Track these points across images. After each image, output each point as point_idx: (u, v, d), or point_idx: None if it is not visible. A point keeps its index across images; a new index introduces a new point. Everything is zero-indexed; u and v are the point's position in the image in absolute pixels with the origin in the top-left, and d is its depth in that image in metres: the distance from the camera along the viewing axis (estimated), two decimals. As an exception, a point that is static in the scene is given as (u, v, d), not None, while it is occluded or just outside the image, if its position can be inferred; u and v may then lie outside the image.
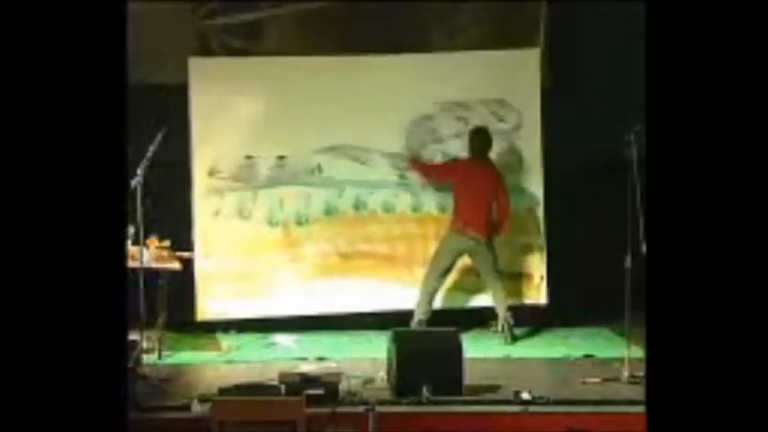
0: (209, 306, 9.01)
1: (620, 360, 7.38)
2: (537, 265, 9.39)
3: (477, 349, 7.97)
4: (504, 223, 8.98)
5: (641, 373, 6.86)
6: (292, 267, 9.13)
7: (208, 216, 9.05)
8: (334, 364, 7.50)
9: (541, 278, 9.37)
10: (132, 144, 5.19)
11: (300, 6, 9.53)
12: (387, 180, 9.33)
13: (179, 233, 8.78)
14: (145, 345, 7.89)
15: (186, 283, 8.86)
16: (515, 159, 9.39)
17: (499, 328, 8.89)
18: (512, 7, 9.60)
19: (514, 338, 8.84)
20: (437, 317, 8.85)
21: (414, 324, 8.73)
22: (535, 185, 9.36)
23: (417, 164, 9.22)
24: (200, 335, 9.01)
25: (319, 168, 9.21)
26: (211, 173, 9.07)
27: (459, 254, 8.97)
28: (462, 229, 8.84)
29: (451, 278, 9.27)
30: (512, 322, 8.85)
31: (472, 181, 8.90)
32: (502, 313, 8.89)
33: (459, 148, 9.35)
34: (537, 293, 9.40)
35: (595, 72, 9.52)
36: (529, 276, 9.41)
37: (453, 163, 9.17)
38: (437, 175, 9.20)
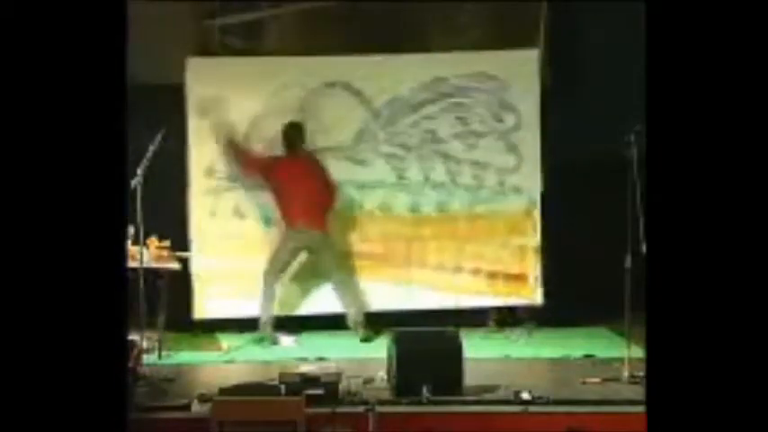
0: (205, 305, 9.03)
1: (620, 360, 7.38)
2: (532, 266, 9.39)
3: (477, 349, 7.97)
4: (330, 207, 8.94)
5: (641, 373, 6.86)
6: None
7: (204, 216, 9.06)
8: (334, 364, 7.49)
9: (536, 279, 9.37)
10: (132, 144, 5.18)
11: (300, 6, 9.53)
12: (384, 180, 9.33)
13: (179, 233, 8.79)
14: (145, 345, 7.88)
15: (186, 283, 8.87)
16: (514, 159, 9.39)
17: (351, 325, 8.86)
18: (512, 7, 9.59)
19: (367, 338, 8.82)
20: (437, 317, 8.84)
21: (262, 326, 8.72)
22: (534, 185, 9.36)
23: (239, 151, 8.97)
24: (200, 335, 9.01)
25: None
26: (208, 173, 9.08)
27: (298, 251, 8.91)
28: (297, 226, 8.79)
29: (445, 278, 9.27)
30: (361, 320, 8.84)
31: (297, 177, 8.83)
32: (352, 309, 8.88)
33: (458, 149, 9.36)
34: (532, 294, 9.40)
35: (595, 72, 9.52)
36: (524, 277, 9.41)
37: (275, 161, 8.93)
38: (258, 169, 8.95)
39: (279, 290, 8.94)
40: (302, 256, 9.01)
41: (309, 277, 9.15)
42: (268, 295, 8.80)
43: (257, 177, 8.94)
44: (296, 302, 9.19)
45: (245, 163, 8.95)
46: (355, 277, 9.19)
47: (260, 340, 8.78)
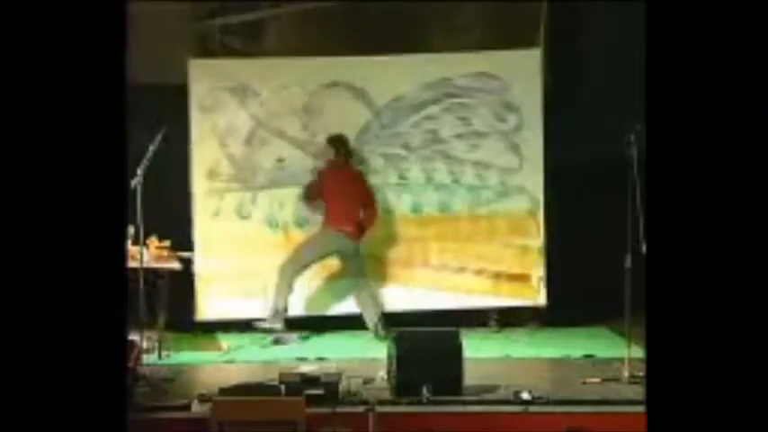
0: (208, 306, 9.04)
1: (620, 360, 7.37)
2: (535, 267, 9.39)
3: (477, 349, 7.96)
4: (371, 224, 8.98)
5: (641, 373, 6.85)
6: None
7: (207, 217, 9.07)
8: (334, 364, 7.49)
9: (540, 279, 9.37)
10: (132, 144, 5.18)
11: (300, 6, 9.54)
12: (386, 181, 9.33)
13: (179, 233, 8.79)
14: (145, 345, 7.88)
15: (186, 283, 8.88)
16: (516, 160, 9.40)
17: (371, 328, 8.86)
18: (512, 7, 9.60)
19: (385, 337, 8.73)
20: (438, 317, 8.84)
21: (268, 322, 8.68)
22: (535, 186, 9.36)
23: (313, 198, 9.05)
24: (200, 335, 9.02)
25: (318, 169, 9.22)
26: (211, 174, 9.09)
27: (328, 253, 8.92)
28: (335, 229, 8.81)
29: (448, 279, 9.28)
30: (381, 323, 8.83)
31: (343, 182, 8.91)
32: (370, 315, 8.88)
33: (460, 149, 9.37)
34: (536, 295, 9.40)
35: (596, 72, 9.52)
36: (527, 277, 9.41)
37: (328, 169, 9.01)
38: (317, 194, 9.01)
39: (299, 287, 8.92)
40: (331, 260, 9.01)
41: (339, 279, 9.16)
42: (284, 288, 8.74)
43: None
44: (326, 303, 9.20)
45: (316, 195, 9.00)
46: (379, 282, 9.21)
47: (262, 338, 8.76)
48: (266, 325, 8.70)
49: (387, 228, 9.32)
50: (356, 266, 9.00)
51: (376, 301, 9.05)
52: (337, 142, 8.98)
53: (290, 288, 8.76)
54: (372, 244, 9.18)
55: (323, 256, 8.93)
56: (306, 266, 8.87)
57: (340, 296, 9.19)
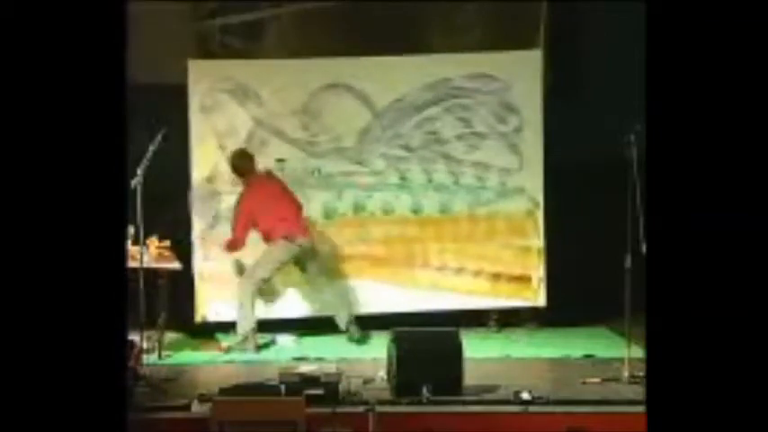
0: (208, 308, 9.03)
1: (620, 360, 7.37)
2: (535, 267, 9.39)
3: (477, 349, 7.96)
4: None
5: (641, 373, 6.86)
6: (292, 269, 9.13)
7: (207, 218, 9.06)
8: (333, 364, 7.49)
9: (540, 280, 9.37)
10: (132, 144, 5.18)
11: (300, 6, 9.54)
12: (386, 181, 9.33)
13: (180, 233, 8.80)
14: (145, 345, 7.88)
15: (186, 283, 8.87)
16: (516, 160, 9.40)
17: (343, 327, 8.79)
18: (512, 8, 9.59)
19: (362, 338, 8.76)
20: (438, 317, 8.84)
21: (241, 337, 8.54)
22: (535, 186, 9.36)
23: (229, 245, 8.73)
24: (200, 335, 9.01)
25: (318, 171, 9.22)
26: (210, 175, 9.08)
27: (287, 263, 8.78)
28: (296, 238, 8.68)
29: (448, 279, 9.28)
30: (354, 324, 8.78)
31: (274, 194, 8.75)
32: (340, 317, 8.80)
33: (460, 150, 9.36)
34: (535, 295, 9.40)
35: (596, 72, 9.51)
36: (527, 278, 9.40)
37: (241, 201, 8.71)
38: (245, 225, 8.65)
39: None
40: (288, 267, 8.90)
41: (303, 285, 9.10)
42: (247, 308, 8.57)
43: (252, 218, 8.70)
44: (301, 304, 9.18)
45: (239, 235, 8.69)
46: (344, 280, 9.17)
47: (261, 338, 8.75)
48: (240, 349, 8.55)
49: (385, 228, 9.31)
50: (314, 268, 8.91)
51: (344, 300, 8.98)
52: (237, 161, 8.78)
53: (252, 306, 8.62)
54: (341, 243, 9.20)
55: (278, 267, 8.75)
56: (264, 281, 8.71)
57: (311, 300, 9.14)
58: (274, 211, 8.70)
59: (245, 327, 8.55)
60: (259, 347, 8.58)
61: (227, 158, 9.01)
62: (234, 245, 8.68)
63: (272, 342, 8.82)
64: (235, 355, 8.45)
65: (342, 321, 8.86)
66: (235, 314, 8.83)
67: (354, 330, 8.79)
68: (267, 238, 8.70)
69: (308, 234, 8.80)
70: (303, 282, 9.06)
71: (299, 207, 8.86)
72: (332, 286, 9.00)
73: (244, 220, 8.64)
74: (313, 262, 8.90)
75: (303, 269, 8.94)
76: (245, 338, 8.54)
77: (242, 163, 8.80)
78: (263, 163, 9.11)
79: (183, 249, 8.76)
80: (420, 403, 6.69)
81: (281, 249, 8.69)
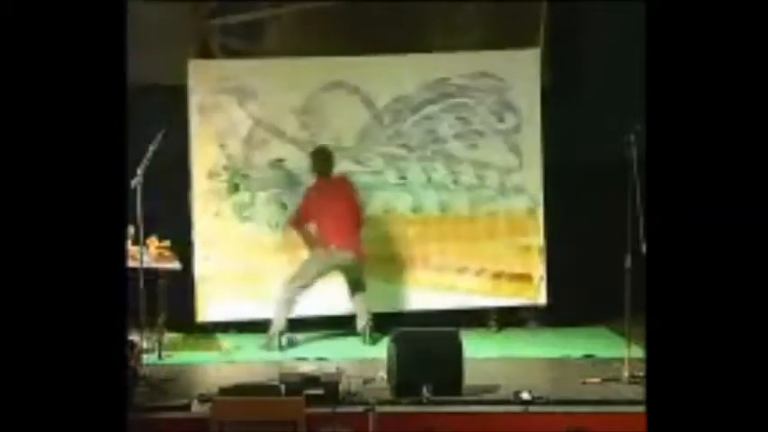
0: (209, 308, 9.03)
1: (620, 360, 7.37)
2: (536, 266, 9.39)
3: (477, 349, 7.97)
4: (360, 228, 8.87)
5: (641, 373, 6.86)
6: (292, 269, 9.13)
7: (207, 218, 9.07)
8: (334, 364, 7.49)
9: (541, 278, 9.37)
10: (132, 144, 5.18)
11: (300, 6, 9.54)
12: (386, 181, 9.34)
13: (179, 233, 8.80)
14: (145, 345, 7.88)
15: (186, 283, 8.88)
16: (515, 159, 9.40)
17: (360, 329, 8.80)
18: (512, 7, 9.59)
19: (374, 341, 8.74)
20: (438, 317, 8.84)
21: (271, 334, 8.61)
22: (535, 185, 9.36)
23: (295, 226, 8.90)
24: (200, 335, 9.02)
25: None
26: (211, 175, 9.09)
27: (328, 271, 8.78)
28: (331, 247, 8.69)
29: (449, 279, 9.29)
30: (371, 325, 8.76)
31: (329, 199, 8.75)
32: (364, 320, 8.80)
33: (459, 149, 9.37)
34: (536, 294, 9.40)
35: (596, 72, 9.52)
36: (528, 277, 9.40)
37: (307, 196, 8.86)
38: (304, 219, 8.83)
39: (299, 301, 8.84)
40: (335, 275, 8.88)
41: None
42: (285, 304, 8.67)
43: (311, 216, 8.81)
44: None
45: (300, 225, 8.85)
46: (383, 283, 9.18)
47: (262, 338, 8.76)
48: (264, 348, 8.62)
49: (385, 227, 9.31)
50: (354, 280, 8.91)
51: (366, 307, 8.95)
52: (319, 157, 8.88)
53: (291, 306, 8.69)
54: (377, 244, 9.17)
55: (322, 274, 8.78)
56: (307, 286, 8.73)
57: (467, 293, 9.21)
58: (327, 217, 8.72)
59: (275, 328, 8.62)
60: (283, 348, 8.60)
61: (227, 157, 9.02)
62: (295, 225, 8.84)
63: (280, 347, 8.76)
64: (235, 355, 8.45)
65: (360, 326, 8.84)
66: (234, 314, 8.86)
67: (368, 336, 8.77)
68: (320, 241, 8.73)
69: (354, 249, 8.76)
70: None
71: (355, 221, 8.81)
72: (362, 297, 8.93)
73: (302, 215, 8.80)
74: (354, 274, 8.87)
75: (344, 276, 8.91)
76: (271, 339, 8.61)
77: (316, 160, 8.85)
78: (262, 164, 9.12)
79: (182, 249, 8.76)
80: (420, 403, 6.69)
81: (319, 261, 8.73)
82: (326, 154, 8.89)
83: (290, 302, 8.69)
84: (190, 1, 9.52)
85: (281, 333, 8.65)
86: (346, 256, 8.74)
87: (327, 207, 8.73)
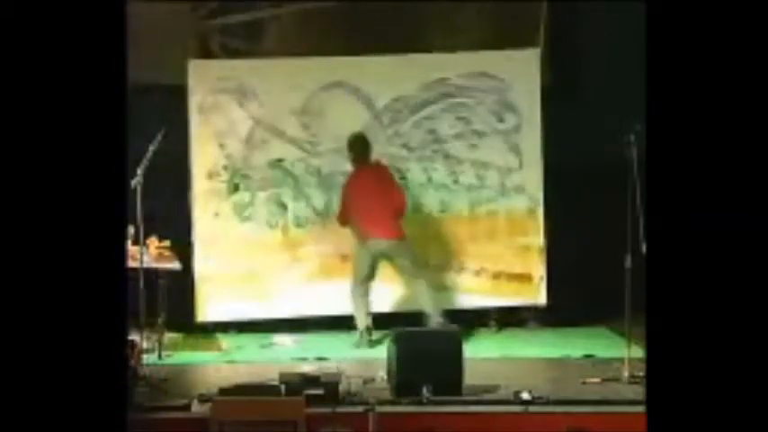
0: (208, 308, 9.04)
1: (620, 360, 7.37)
2: (536, 266, 9.39)
3: (477, 349, 7.96)
4: (401, 213, 8.81)
5: (641, 373, 6.86)
6: (292, 269, 9.14)
7: (207, 218, 9.07)
8: (334, 364, 7.49)
9: (541, 278, 9.37)
10: (132, 144, 5.18)
11: (300, 6, 9.54)
12: (386, 181, 9.33)
13: (179, 233, 8.80)
14: (145, 345, 7.88)
15: (186, 283, 8.88)
16: (515, 159, 9.40)
17: (433, 324, 8.65)
18: (512, 7, 9.60)
19: (372, 345, 8.68)
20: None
21: (360, 332, 8.67)
22: (535, 185, 9.37)
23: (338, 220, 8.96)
24: (200, 335, 9.02)
25: (318, 170, 9.23)
26: (210, 175, 9.09)
27: (375, 261, 8.77)
28: (369, 237, 8.69)
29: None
30: (441, 320, 8.69)
31: (365, 188, 8.75)
32: (431, 311, 8.73)
33: (459, 149, 9.37)
34: (536, 294, 9.40)
35: (596, 72, 9.52)
36: (528, 277, 9.40)
37: (344, 191, 8.89)
38: (347, 213, 8.87)
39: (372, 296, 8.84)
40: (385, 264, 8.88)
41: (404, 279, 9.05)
42: (359, 305, 8.74)
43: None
44: (414, 301, 9.04)
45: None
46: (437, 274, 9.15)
47: (262, 337, 8.78)
48: (357, 348, 8.65)
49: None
50: (402, 266, 8.88)
51: (432, 295, 8.84)
52: (353, 145, 8.88)
53: (365, 301, 8.76)
54: (340, 243, 9.15)
55: (372, 265, 8.78)
56: (367, 280, 8.76)
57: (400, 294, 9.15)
58: (362, 209, 8.72)
59: (360, 326, 8.70)
60: (372, 343, 8.63)
61: (227, 157, 9.03)
62: (341, 222, 8.89)
63: (272, 342, 8.81)
64: (235, 355, 8.45)
65: (430, 316, 8.75)
66: (234, 314, 8.88)
67: (442, 321, 8.66)
68: (358, 232, 8.77)
69: (392, 234, 8.70)
70: (394, 276, 9.03)
71: (390, 207, 8.73)
72: (421, 286, 8.88)
73: (342, 210, 8.85)
74: (402, 260, 8.83)
75: (394, 265, 8.90)
76: (361, 335, 8.67)
77: (353, 147, 8.86)
78: (262, 163, 9.13)
79: (182, 249, 8.76)
80: (420, 403, 6.68)
81: (363, 254, 8.76)
82: (361, 141, 8.87)
83: (361, 298, 8.75)
84: (190, 1, 9.52)
85: (369, 329, 8.68)
86: (381, 244, 8.71)
87: (361, 198, 8.74)
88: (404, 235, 8.76)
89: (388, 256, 8.80)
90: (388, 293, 9.10)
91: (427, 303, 8.80)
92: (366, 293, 8.79)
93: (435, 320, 8.71)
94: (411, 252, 8.87)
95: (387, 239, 8.70)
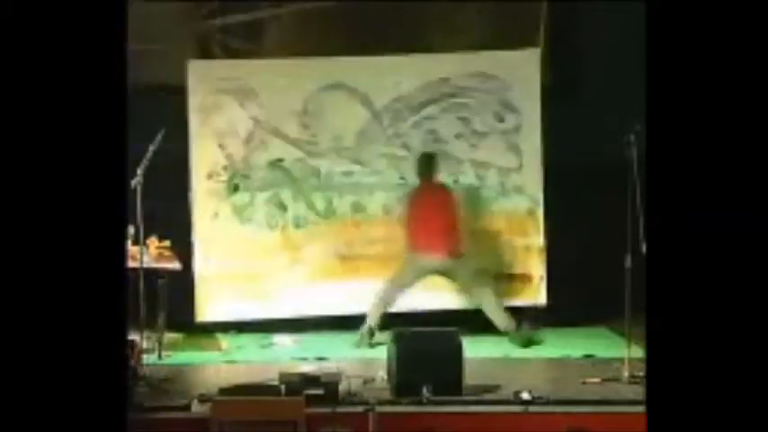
0: (208, 308, 9.03)
1: (620, 360, 7.37)
2: (536, 266, 9.39)
3: (478, 349, 7.96)
4: (457, 240, 8.78)
5: (641, 373, 6.86)
6: (292, 270, 9.14)
7: (207, 218, 9.07)
8: (334, 364, 7.49)
9: (541, 279, 9.37)
10: (132, 144, 5.18)
11: (300, 6, 9.54)
12: (386, 181, 9.33)
13: (179, 233, 8.79)
14: (145, 345, 7.87)
15: (187, 283, 8.87)
16: (515, 159, 9.40)
17: (504, 329, 8.71)
18: (512, 7, 9.60)
19: (530, 341, 8.70)
20: (438, 317, 8.83)
21: (362, 331, 8.66)
22: (535, 185, 9.36)
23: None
24: (200, 335, 9.01)
25: (318, 171, 9.23)
26: (210, 175, 9.09)
27: (420, 275, 8.78)
28: (422, 252, 8.70)
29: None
30: (514, 324, 8.70)
31: (425, 205, 8.77)
32: (500, 319, 8.74)
33: (459, 149, 9.36)
34: (536, 294, 9.40)
35: (596, 72, 9.51)
36: (528, 277, 9.40)
37: (405, 202, 8.95)
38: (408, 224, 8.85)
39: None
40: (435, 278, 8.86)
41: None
42: (381, 302, 8.73)
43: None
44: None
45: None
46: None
47: (262, 337, 8.79)
48: (357, 347, 8.65)
49: (386, 227, 9.28)
50: (460, 282, 8.86)
51: (497, 306, 8.82)
52: (421, 162, 8.95)
53: (386, 306, 8.74)
54: (340, 243, 9.20)
55: (415, 279, 8.78)
56: (404, 287, 8.76)
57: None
58: (417, 221, 8.72)
59: (366, 325, 8.68)
60: (372, 345, 8.61)
61: (227, 158, 9.03)
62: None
63: (272, 342, 8.81)
64: (235, 355, 8.45)
65: (501, 327, 8.74)
66: (234, 314, 8.87)
67: (518, 336, 8.69)
68: (410, 246, 8.76)
69: (442, 252, 8.68)
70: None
71: (445, 225, 8.72)
72: (485, 295, 8.83)
73: (404, 221, 8.84)
74: (458, 275, 8.82)
75: (451, 280, 8.87)
76: (362, 335, 8.66)
77: (418, 164, 8.95)
78: (261, 164, 9.12)
79: (183, 249, 8.76)
80: (420, 403, 6.68)
81: (409, 265, 8.75)
82: (428, 159, 8.95)
83: (384, 302, 8.74)
84: (190, 1, 9.52)
85: (372, 331, 8.66)
86: (432, 259, 8.70)
87: (418, 212, 8.76)
88: (460, 253, 8.75)
89: (441, 273, 8.81)
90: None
91: (493, 313, 8.78)
92: (393, 300, 8.77)
93: (505, 327, 8.73)
94: (468, 268, 8.85)
95: (441, 258, 8.70)
